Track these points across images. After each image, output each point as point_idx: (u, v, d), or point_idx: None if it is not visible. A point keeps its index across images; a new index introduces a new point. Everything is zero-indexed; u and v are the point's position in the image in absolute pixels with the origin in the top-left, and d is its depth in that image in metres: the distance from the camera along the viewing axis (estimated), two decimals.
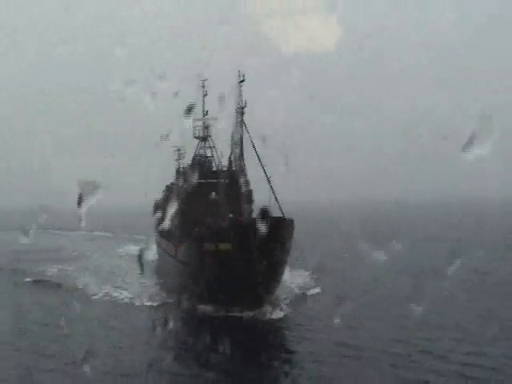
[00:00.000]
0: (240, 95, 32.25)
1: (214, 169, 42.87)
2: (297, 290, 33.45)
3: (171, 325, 25.87)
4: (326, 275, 37.32)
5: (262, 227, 25.77)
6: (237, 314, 27.09)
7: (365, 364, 19.39)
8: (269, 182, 32.33)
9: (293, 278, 35.69)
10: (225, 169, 39.62)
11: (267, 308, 27.49)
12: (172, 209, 42.38)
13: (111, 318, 28.03)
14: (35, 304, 31.94)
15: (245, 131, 32.79)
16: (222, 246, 28.28)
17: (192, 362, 21.22)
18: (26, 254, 50.39)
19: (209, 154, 44.40)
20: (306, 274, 38.22)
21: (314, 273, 37.93)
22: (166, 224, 45.14)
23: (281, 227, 28.27)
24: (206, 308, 28.47)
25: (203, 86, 42.47)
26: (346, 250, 44.66)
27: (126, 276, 40.83)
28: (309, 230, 47.76)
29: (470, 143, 10.84)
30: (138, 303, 31.38)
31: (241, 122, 32.12)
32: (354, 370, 18.89)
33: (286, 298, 30.97)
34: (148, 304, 31.08)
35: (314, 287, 34.13)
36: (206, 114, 42.71)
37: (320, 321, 25.94)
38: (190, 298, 29.91)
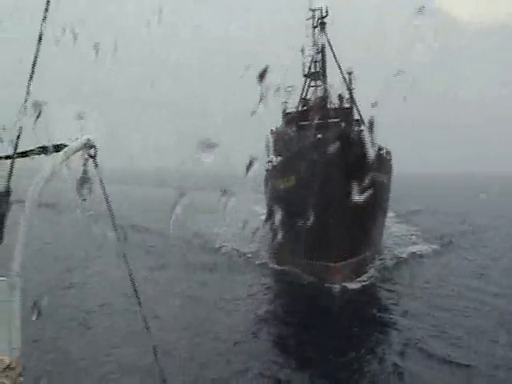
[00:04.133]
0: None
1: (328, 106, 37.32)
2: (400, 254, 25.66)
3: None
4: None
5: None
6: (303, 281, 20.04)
7: None
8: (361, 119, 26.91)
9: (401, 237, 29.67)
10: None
11: (339, 273, 19.39)
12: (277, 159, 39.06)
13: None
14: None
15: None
16: (287, 181, 21.05)
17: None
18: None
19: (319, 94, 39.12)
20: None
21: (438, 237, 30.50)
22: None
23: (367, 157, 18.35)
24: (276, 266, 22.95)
25: (313, 17, 37.06)
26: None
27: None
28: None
29: None
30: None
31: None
32: None
33: (375, 263, 23.15)
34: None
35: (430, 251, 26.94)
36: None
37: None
38: (267, 254, 26.48)
